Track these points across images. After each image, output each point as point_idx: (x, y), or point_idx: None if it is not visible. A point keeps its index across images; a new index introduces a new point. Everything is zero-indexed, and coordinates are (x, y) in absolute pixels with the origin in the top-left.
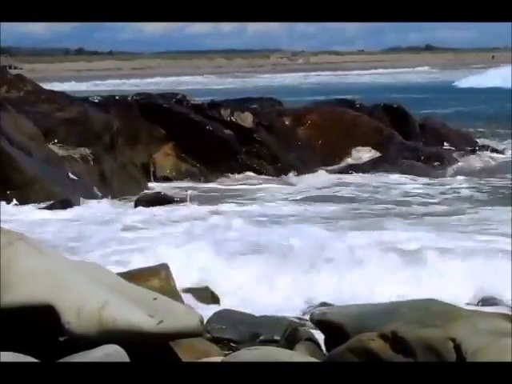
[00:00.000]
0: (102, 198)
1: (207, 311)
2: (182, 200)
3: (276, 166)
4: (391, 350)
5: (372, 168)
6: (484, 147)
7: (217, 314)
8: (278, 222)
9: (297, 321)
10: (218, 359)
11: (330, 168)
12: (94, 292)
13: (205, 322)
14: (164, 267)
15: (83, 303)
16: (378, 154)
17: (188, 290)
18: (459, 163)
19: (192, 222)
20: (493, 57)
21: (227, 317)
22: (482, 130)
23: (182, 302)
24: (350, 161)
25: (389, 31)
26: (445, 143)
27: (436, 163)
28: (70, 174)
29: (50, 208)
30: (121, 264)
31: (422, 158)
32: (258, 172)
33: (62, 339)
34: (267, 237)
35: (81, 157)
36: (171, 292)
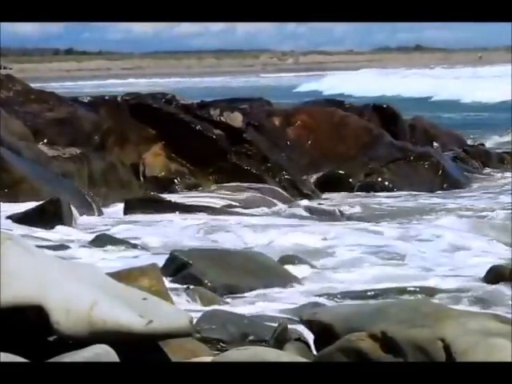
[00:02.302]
0: (91, 198)
1: None
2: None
3: (265, 165)
4: (381, 350)
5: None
6: None
7: (206, 314)
8: None
9: (286, 320)
10: (208, 359)
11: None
12: (84, 292)
13: (194, 321)
14: (154, 267)
15: (72, 303)
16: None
17: None
18: None
19: None
20: (480, 57)
21: (217, 317)
22: None
23: (172, 302)
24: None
25: (378, 31)
26: (434, 143)
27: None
28: (59, 174)
29: (39, 209)
30: None
31: (412, 158)
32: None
33: (51, 339)
34: None
35: (70, 157)
36: (161, 292)
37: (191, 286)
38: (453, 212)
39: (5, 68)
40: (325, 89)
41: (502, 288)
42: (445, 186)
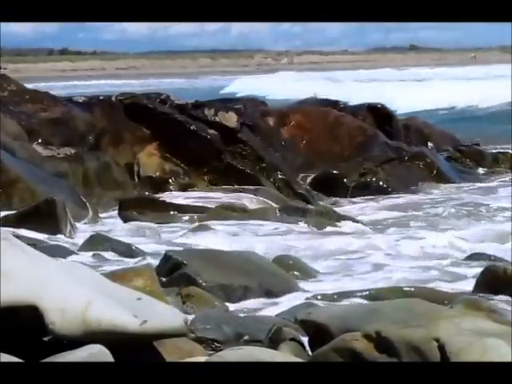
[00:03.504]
0: (86, 199)
1: None
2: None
3: (260, 165)
4: (375, 350)
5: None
6: None
7: (201, 314)
8: None
9: (281, 320)
10: (202, 359)
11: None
12: (78, 292)
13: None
14: (148, 267)
15: (67, 303)
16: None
17: None
18: None
19: None
20: (474, 57)
21: (211, 317)
22: None
23: (166, 302)
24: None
25: (373, 31)
26: (429, 143)
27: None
28: (54, 174)
29: (34, 209)
30: None
31: (406, 158)
32: None
33: (45, 339)
34: None
35: (65, 157)
36: (155, 292)
37: (183, 289)
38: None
39: None
40: (241, 91)
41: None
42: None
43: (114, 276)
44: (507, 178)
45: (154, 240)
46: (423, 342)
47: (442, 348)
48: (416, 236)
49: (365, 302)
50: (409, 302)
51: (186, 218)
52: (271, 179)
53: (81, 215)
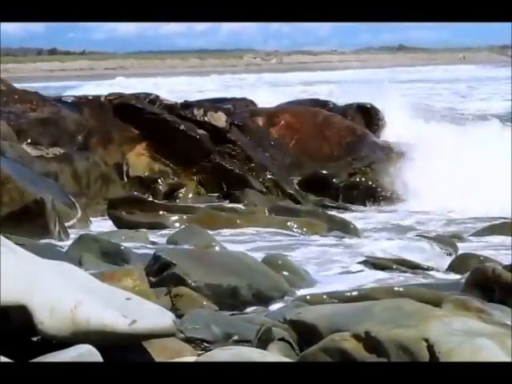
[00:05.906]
0: (75, 199)
1: None
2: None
3: (249, 165)
4: (364, 350)
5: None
6: None
7: (190, 314)
8: None
9: (270, 320)
10: (192, 359)
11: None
12: (67, 292)
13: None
14: (137, 267)
15: (56, 303)
16: None
17: None
18: None
19: None
20: (464, 57)
21: (200, 316)
22: None
23: (155, 302)
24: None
25: (362, 31)
26: None
27: None
28: (43, 174)
29: (23, 209)
30: None
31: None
32: None
33: (34, 339)
34: None
35: (54, 157)
36: (144, 292)
37: (173, 289)
38: None
39: None
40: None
41: None
42: None
43: (103, 276)
44: None
45: (143, 240)
46: (412, 342)
47: (431, 348)
48: (407, 239)
49: (354, 302)
50: (398, 302)
51: (175, 217)
52: (260, 179)
53: (70, 215)
